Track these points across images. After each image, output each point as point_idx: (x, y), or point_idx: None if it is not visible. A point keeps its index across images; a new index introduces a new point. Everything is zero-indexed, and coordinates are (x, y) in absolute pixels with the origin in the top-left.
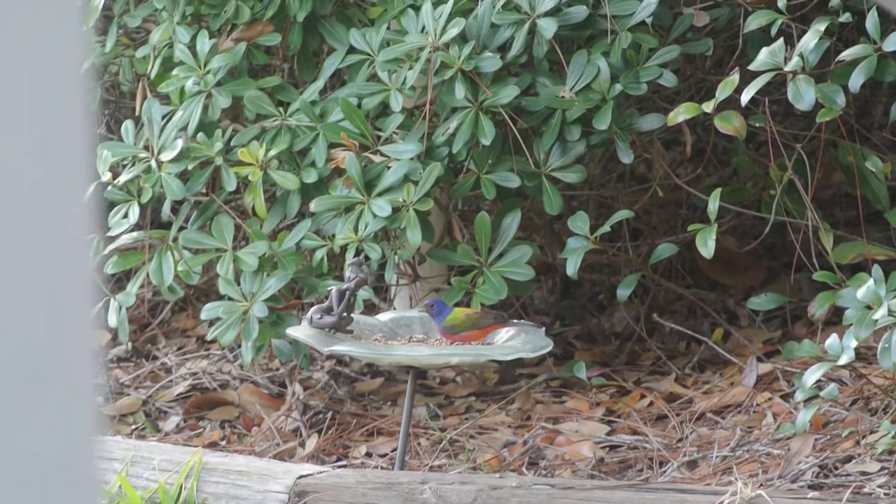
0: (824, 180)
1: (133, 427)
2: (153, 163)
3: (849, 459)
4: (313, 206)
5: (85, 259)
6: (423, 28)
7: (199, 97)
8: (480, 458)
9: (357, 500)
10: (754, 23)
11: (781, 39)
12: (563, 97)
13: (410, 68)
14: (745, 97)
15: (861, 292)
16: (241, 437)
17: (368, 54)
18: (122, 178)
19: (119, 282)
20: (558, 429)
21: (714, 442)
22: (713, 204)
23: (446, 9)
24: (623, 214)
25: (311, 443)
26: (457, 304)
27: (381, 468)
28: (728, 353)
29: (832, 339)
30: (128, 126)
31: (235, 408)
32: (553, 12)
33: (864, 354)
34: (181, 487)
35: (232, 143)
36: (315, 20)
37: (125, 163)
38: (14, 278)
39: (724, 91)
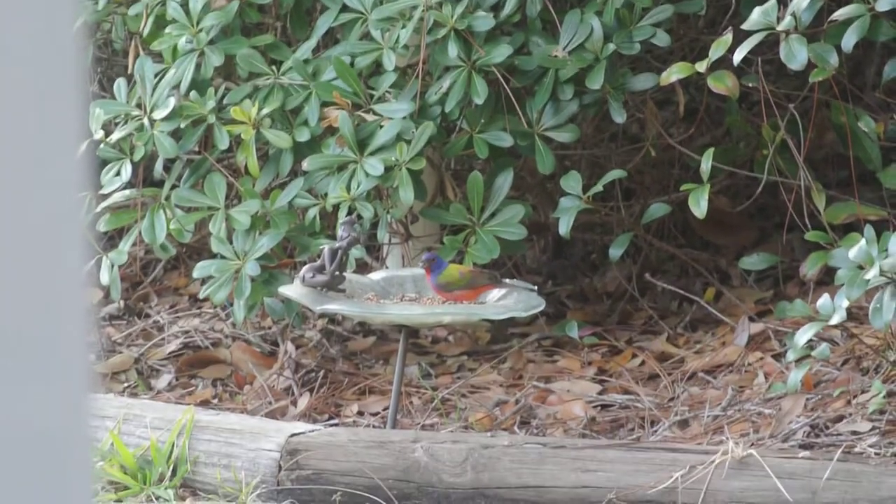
0: (817, 140)
1: (125, 385)
2: (146, 121)
3: (840, 419)
4: (306, 164)
5: (76, 217)
6: None
7: (191, 55)
8: (472, 417)
9: (349, 459)
10: None
11: None
12: (555, 56)
13: (403, 27)
14: (738, 57)
15: (853, 252)
16: (233, 395)
17: (361, 13)
18: (115, 136)
19: (111, 240)
20: (550, 388)
21: (706, 401)
22: (706, 164)
23: None
24: (616, 174)
25: (303, 401)
26: (450, 262)
27: (373, 427)
28: (720, 313)
29: (824, 299)
30: (120, 84)
31: (227, 366)
32: None
33: (856, 314)
34: (173, 445)
35: (224, 102)
36: None
37: (118, 121)
38: (6, 236)
39: (717, 51)
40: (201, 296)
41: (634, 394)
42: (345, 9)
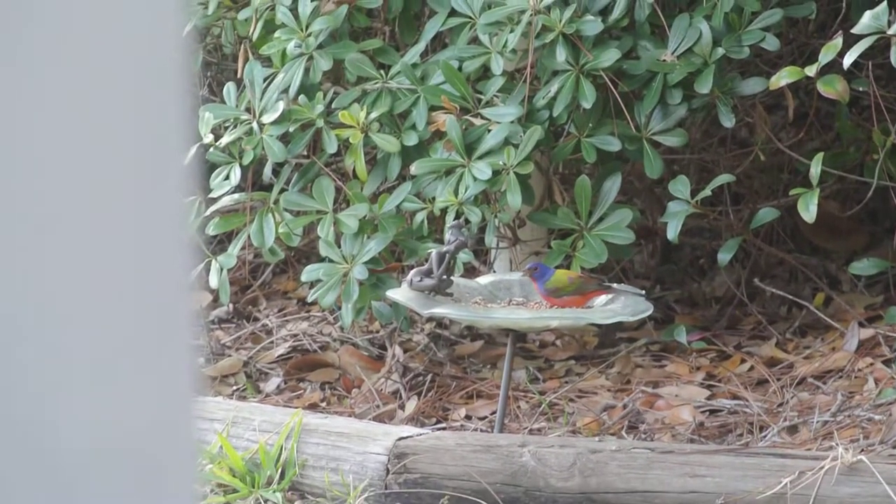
0: None
1: (234, 388)
2: (255, 125)
3: None
4: (414, 168)
5: (185, 221)
6: None
7: (300, 59)
8: (580, 422)
9: (456, 463)
10: None
11: (885, 2)
12: (664, 60)
13: (511, 31)
14: (848, 60)
15: None
16: (341, 398)
17: (470, 17)
18: (224, 140)
19: (220, 243)
20: (658, 393)
21: (815, 407)
22: (815, 168)
23: None
24: (724, 178)
25: (411, 405)
26: (557, 267)
27: (481, 431)
28: (829, 318)
29: None
30: (230, 88)
31: (336, 369)
32: None
33: None
34: (281, 448)
35: (333, 106)
36: None
37: (227, 125)
38: (116, 241)
39: (826, 54)
40: (309, 299)
41: (743, 399)
42: (453, 13)
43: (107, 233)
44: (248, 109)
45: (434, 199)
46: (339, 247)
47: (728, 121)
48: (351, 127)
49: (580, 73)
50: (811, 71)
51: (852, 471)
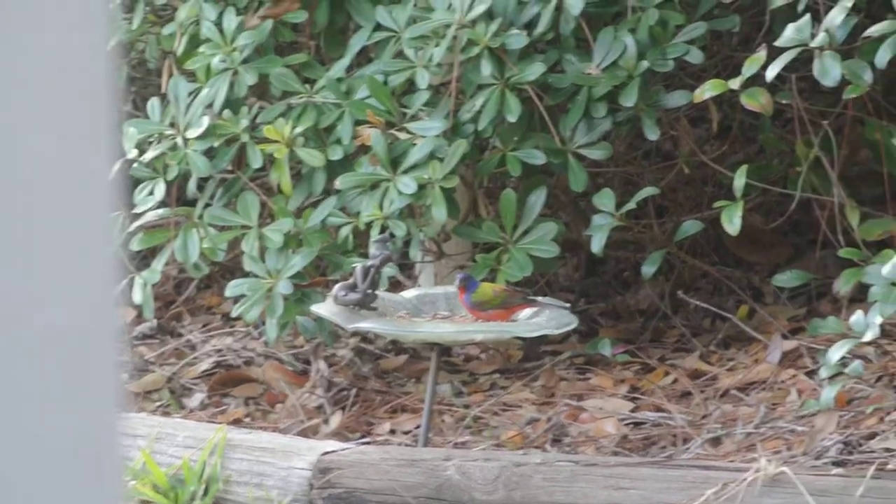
0: (850, 157)
1: (158, 404)
2: (179, 140)
3: (873, 436)
4: (339, 183)
5: (109, 236)
6: (450, 5)
7: (225, 74)
8: (504, 435)
9: (381, 477)
10: None
11: (808, 15)
12: (589, 74)
13: (437, 45)
14: (771, 73)
15: (886, 269)
16: (266, 414)
17: (395, 31)
18: (148, 156)
19: (144, 259)
20: (582, 406)
21: (738, 419)
22: (739, 181)
23: None
24: (648, 191)
25: (335, 420)
26: (482, 280)
27: (405, 445)
28: (753, 330)
29: (857, 316)
30: (154, 103)
31: (260, 385)
32: None
33: (890, 331)
34: (205, 464)
35: (258, 121)
36: None
37: (151, 140)
38: (39, 256)
39: (750, 67)
40: (234, 314)
41: (667, 411)
42: (378, 28)
43: (31, 247)
44: (172, 124)
45: (359, 213)
46: (264, 262)
47: (653, 134)
48: (276, 142)
49: (505, 87)
50: (735, 84)
51: (775, 482)
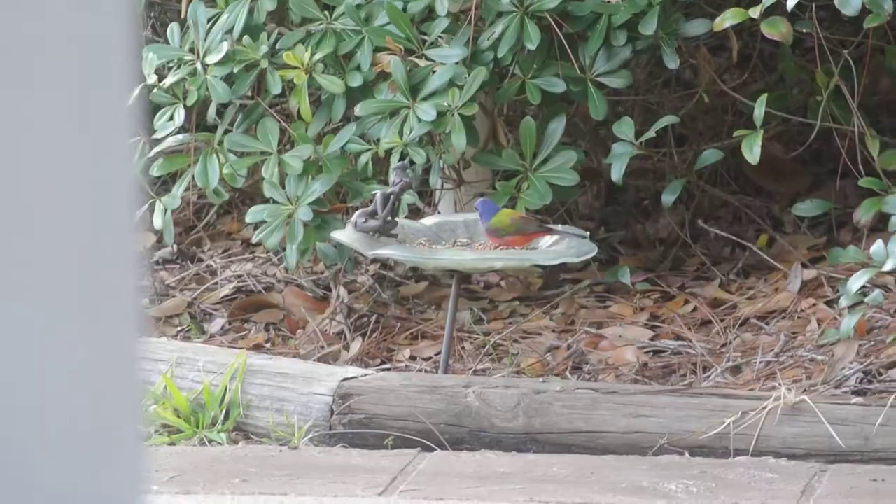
0: (871, 86)
1: (178, 329)
2: (199, 65)
3: (893, 365)
4: (358, 110)
5: (129, 161)
6: None
7: (244, 0)
8: (524, 363)
9: (401, 403)
10: None
11: None
12: (609, 2)
13: None
14: (791, 2)
15: None
16: (286, 339)
17: None
18: (168, 81)
19: (164, 184)
20: (602, 333)
21: (758, 347)
22: (759, 110)
23: None
24: (668, 120)
25: (356, 346)
26: (503, 207)
27: (425, 372)
28: (773, 259)
29: (877, 246)
30: (173, 28)
31: (280, 311)
32: None
33: None
34: (226, 389)
35: (277, 47)
36: None
37: (171, 65)
38: (58, 182)
39: None
40: (254, 240)
41: (687, 340)
42: None
43: (51, 173)
44: (191, 50)
45: (379, 140)
46: (284, 188)
47: (672, 62)
48: (295, 68)
49: (525, 15)
50: (755, 13)
51: (795, 411)
